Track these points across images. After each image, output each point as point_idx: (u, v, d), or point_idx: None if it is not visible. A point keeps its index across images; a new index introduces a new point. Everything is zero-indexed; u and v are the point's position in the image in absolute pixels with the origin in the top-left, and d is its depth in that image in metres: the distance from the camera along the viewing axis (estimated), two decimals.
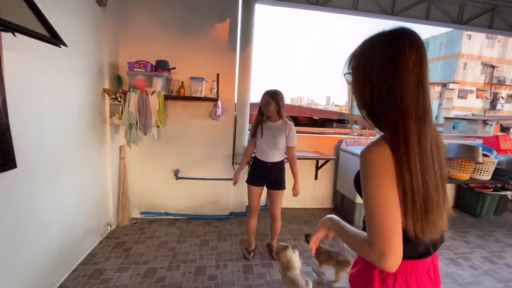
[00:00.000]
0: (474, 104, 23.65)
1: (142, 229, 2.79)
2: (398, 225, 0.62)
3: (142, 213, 3.04)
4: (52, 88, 1.79)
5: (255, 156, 2.26)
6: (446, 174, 0.72)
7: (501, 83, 23.60)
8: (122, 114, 2.52)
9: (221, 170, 3.10)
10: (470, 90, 23.55)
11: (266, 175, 2.20)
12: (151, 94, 2.50)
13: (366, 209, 0.66)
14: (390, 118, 0.65)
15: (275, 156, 2.15)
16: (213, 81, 2.78)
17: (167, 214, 3.07)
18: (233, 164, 3.12)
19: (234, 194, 3.19)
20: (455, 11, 3.34)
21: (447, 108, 22.85)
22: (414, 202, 0.63)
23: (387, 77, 0.64)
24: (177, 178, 2.99)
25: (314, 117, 13.04)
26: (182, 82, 2.75)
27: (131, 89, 2.49)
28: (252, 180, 2.26)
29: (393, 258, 0.61)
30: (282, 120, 2.13)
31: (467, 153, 3.51)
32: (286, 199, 2.39)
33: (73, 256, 2.12)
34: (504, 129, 16.80)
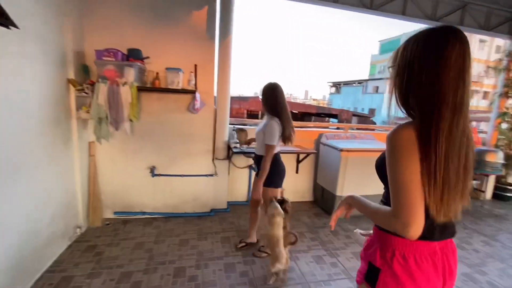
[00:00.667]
0: None
1: (116, 230, 2.61)
2: (420, 199, 0.69)
3: (116, 213, 2.85)
4: (4, 77, 1.57)
5: None
6: (471, 166, 0.74)
7: None
8: (90, 107, 2.30)
9: (200, 166, 2.98)
10: None
11: (258, 167, 2.21)
12: (123, 86, 2.30)
13: (392, 186, 0.72)
14: (426, 106, 0.70)
15: (260, 149, 2.14)
16: (191, 72, 2.63)
17: (144, 213, 2.91)
18: (213, 160, 3.02)
19: (214, 191, 3.10)
20: (429, 8, 3.44)
21: None
22: (435, 182, 0.68)
23: (429, 69, 0.69)
24: (154, 175, 2.83)
25: (294, 111, 13.16)
26: (157, 73, 2.57)
27: (100, 80, 2.28)
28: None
29: (415, 228, 0.68)
30: (268, 116, 2.06)
31: None
32: None
33: (37, 264, 1.92)
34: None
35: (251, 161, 3.28)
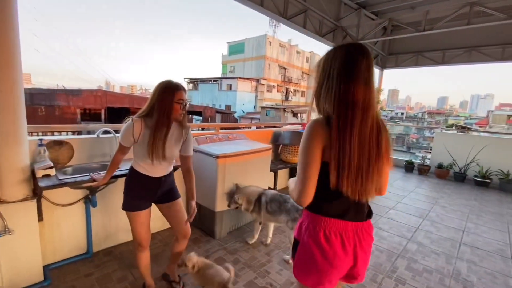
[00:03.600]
0: (277, 96, 30.91)
1: None
2: (311, 176, 0.89)
3: None
4: None
5: (138, 172, 1.57)
6: (384, 153, 0.90)
7: (290, 81, 32.29)
8: None
9: None
10: (274, 85, 30.47)
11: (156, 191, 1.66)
12: None
13: (298, 162, 0.93)
14: (343, 108, 0.85)
15: (170, 167, 1.70)
16: None
17: None
18: None
19: (8, 260, 1.69)
20: (281, 5, 3.52)
21: (261, 99, 28.40)
22: (350, 167, 0.85)
23: (344, 79, 0.85)
24: None
25: None
26: None
27: None
28: (138, 203, 1.61)
29: (304, 199, 0.91)
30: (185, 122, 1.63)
31: (297, 138, 3.98)
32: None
33: None
34: (295, 114, 23.25)
35: (84, 192, 2.09)
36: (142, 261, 1.73)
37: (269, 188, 3.08)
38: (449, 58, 6.12)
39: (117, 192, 2.33)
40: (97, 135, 2.15)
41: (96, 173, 1.80)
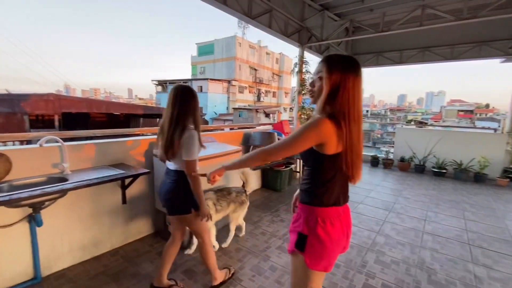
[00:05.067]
0: (249, 97, 30.96)
1: None
2: (292, 151, 1.08)
3: None
4: None
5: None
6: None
7: (261, 82, 32.54)
8: None
9: None
10: (245, 86, 30.49)
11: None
12: None
13: (288, 138, 1.08)
14: (352, 112, 1.03)
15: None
16: None
17: None
18: None
19: None
20: (245, 5, 3.46)
21: (233, 101, 28.25)
22: (358, 157, 1.07)
23: (357, 92, 1.04)
24: None
25: (115, 113, 10.83)
26: None
27: None
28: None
29: (271, 157, 1.13)
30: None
31: (267, 139, 3.95)
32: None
33: None
34: (267, 114, 23.45)
35: (26, 210, 1.83)
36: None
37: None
38: (405, 58, 6.55)
39: (66, 207, 2.09)
40: (40, 145, 1.90)
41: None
